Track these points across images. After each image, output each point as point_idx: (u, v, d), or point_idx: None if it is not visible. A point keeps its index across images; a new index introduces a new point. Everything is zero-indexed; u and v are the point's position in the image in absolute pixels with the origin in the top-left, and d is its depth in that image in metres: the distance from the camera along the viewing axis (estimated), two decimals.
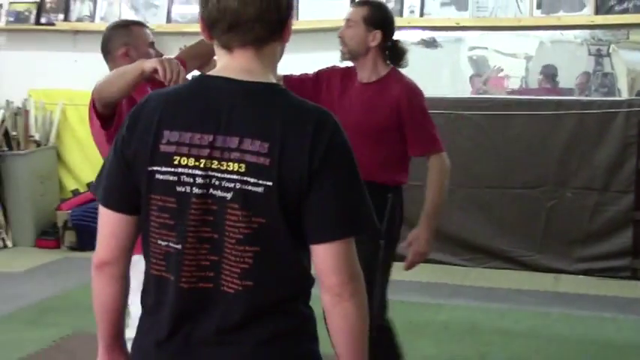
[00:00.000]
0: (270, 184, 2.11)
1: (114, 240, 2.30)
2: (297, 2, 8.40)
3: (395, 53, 4.61)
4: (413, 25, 8.18)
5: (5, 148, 8.95)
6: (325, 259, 2.17)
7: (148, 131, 2.20)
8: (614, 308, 6.75)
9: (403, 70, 4.61)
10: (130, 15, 8.84)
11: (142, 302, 2.33)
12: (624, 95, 7.68)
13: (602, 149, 7.58)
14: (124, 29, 4.07)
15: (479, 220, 7.94)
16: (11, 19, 9.38)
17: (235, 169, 2.14)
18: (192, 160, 2.16)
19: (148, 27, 4.29)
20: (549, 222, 7.75)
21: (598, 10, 7.69)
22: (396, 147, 4.52)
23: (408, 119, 4.46)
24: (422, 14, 8.16)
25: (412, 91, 4.52)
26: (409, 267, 4.85)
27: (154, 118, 2.20)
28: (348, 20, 4.56)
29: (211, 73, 2.29)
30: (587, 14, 7.72)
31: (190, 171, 2.16)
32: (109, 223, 2.30)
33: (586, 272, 7.62)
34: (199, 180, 2.15)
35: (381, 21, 4.53)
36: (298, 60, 8.15)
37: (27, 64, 9.14)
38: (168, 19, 8.88)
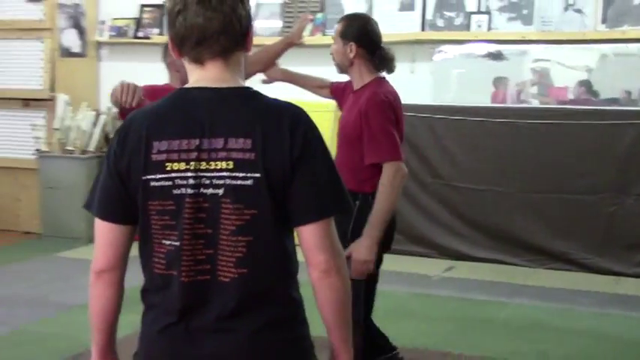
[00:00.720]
0: (258, 175, 2.17)
1: (111, 249, 2.31)
2: (373, 17, 8.48)
3: (382, 61, 4.53)
4: (480, 39, 8.18)
5: (105, 149, 9.12)
6: (311, 238, 2.24)
7: (138, 145, 2.22)
8: None
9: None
10: None
11: (145, 300, 2.35)
12: None
13: None
14: None
15: (540, 222, 7.92)
16: (113, 33, 9.56)
17: (224, 167, 2.18)
18: (183, 164, 2.19)
19: None
20: (610, 226, 7.70)
21: None
22: (360, 150, 4.35)
23: (365, 126, 4.29)
24: (489, 28, 8.15)
25: (373, 99, 4.32)
26: (354, 276, 4.01)
27: (142, 133, 2.22)
28: (333, 37, 4.59)
29: (187, 85, 2.32)
30: None
31: (182, 174, 2.19)
32: (105, 233, 2.31)
33: None
34: (191, 181, 2.19)
35: (353, 33, 4.49)
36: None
37: (125, 73, 9.23)
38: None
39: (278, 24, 8.86)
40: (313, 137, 2.26)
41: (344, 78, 4.68)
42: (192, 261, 2.22)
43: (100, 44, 9.70)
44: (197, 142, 2.20)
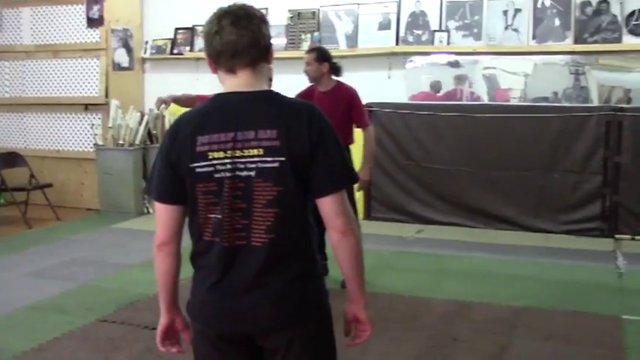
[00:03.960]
0: (283, 159, 2.15)
1: (167, 226, 2.28)
2: (357, 34, 8.54)
3: (336, 69, 5.83)
4: (442, 51, 8.21)
5: (149, 143, 9.14)
6: (330, 206, 2.22)
7: (185, 139, 2.20)
8: (588, 259, 6.78)
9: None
10: None
11: (194, 263, 2.32)
12: (595, 103, 7.65)
13: (580, 142, 7.60)
14: None
15: (491, 193, 7.97)
16: (154, 51, 9.59)
17: (255, 153, 2.16)
18: (222, 153, 2.17)
19: None
20: (541, 195, 7.79)
21: (576, 41, 7.71)
22: (347, 123, 5.71)
23: (353, 106, 5.75)
24: (448, 43, 8.19)
25: (352, 92, 5.79)
26: (360, 190, 5.96)
27: (189, 130, 2.21)
28: (307, 63, 5.77)
29: (223, 91, 2.30)
30: (568, 43, 7.74)
31: (222, 161, 2.17)
32: (163, 213, 2.29)
33: (568, 232, 7.68)
34: (229, 166, 2.17)
35: (324, 57, 5.77)
36: (355, 77, 8.39)
37: (163, 82, 9.24)
38: None
39: (283, 41, 8.88)
40: (326, 126, 2.24)
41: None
42: (231, 229, 2.20)
43: (144, 60, 9.74)
44: (232, 134, 2.18)
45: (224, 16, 2.23)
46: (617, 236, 7.54)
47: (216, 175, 2.19)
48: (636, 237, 7.49)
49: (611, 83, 7.71)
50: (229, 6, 2.26)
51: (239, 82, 2.27)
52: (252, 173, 2.17)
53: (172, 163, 2.23)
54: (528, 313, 5.26)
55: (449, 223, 8.10)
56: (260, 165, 2.17)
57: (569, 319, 5.10)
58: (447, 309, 5.37)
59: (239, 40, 2.21)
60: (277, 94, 2.30)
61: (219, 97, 2.29)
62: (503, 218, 7.94)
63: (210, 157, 2.18)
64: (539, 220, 7.81)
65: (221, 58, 2.25)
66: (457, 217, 8.12)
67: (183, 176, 2.22)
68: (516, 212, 7.89)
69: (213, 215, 2.21)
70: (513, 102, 7.98)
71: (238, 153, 2.17)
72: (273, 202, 2.18)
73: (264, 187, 2.17)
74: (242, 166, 2.18)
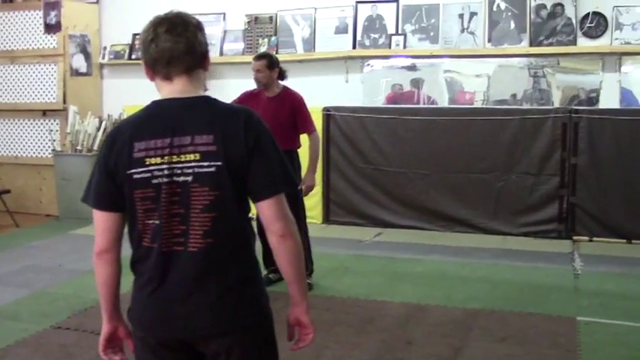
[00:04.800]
0: (219, 163, 2.16)
1: (107, 233, 2.27)
2: (314, 38, 8.49)
3: (282, 74, 5.83)
4: (399, 54, 8.19)
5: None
6: (268, 210, 2.22)
7: (123, 146, 2.20)
8: (545, 260, 6.76)
9: None
10: None
11: (135, 270, 2.31)
12: (557, 105, 7.64)
13: (537, 144, 7.57)
14: None
15: (448, 196, 7.94)
16: (111, 56, 9.55)
17: (192, 158, 2.17)
18: (159, 158, 2.18)
19: None
20: (499, 197, 7.75)
21: (532, 43, 7.71)
22: (292, 128, 5.74)
23: (298, 112, 5.76)
24: (405, 46, 8.15)
25: (299, 98, 5.82)
26: (304, 195, 5.88)
27: (126, 136, 2.21)
28: (257, 70, 5.72)
29: (159, 98, 2.29)
30: (524, 46, 7.74)
31: (159, 167, 2.18)
32: (101, 220, 2.28)
33: (526, 234, 7.65)
34: (166, 172, 2.18)
35: (274, 64, 5.76)
36: (313, 81, 8.32)
37: (121, 88, 9.30)
38: (221, 53, 8.90)
39: (240, 45, 8.84)
40: (263, 131, 2.25)
41: None
42: (169, 235, 2.20)
43: (102, 65, 9.69)
44: (169, 140, 2.18)
45: (160, 23, 2.24)
46: (575, 238, 7.52)
47: (154, 181, 2.19)
48: (594, 238, 7.49)
49: (572, 85, 7.71)
50: (165, 13, 2.27)
51: (175, 88, 2.27)
52: (189, 178, 2.18)
53: (110, 170, 2.23)
54: (483, 315, 5.23)
55: (408, 227, 8.05)
56: (197, 170, 2.18)
57: (525, 321, 5.08)
58: (403, 312, 5.32)
59: (174, 47, 2.22)
60: (214, 99, 2.31)
61: (155, 104, 2.29)
62: (461, 221, 7.91)
63: (147, 162, 2.19)
64: (496, 222, 7.79)
65: (157, 65, 2.25)
66: (416, 220, 8.07)
67: (121, 183, 2.22)
68: (474, 215, 7.86)
69: (151, 221, 2.22)
70: (476, 104, 7.96)
71: (175, 158, 2.18)
72: (209, 206, 2.18)
73: (200, 192, 2.18)
74: (179, 171, 2.18)
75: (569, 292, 5.81)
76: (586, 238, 7.52)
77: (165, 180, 2.18)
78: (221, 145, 2.17)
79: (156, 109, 2.27)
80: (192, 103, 2.25)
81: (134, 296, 2.32)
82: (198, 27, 2.27)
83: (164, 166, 2.18)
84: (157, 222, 2.20)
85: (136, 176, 2.19)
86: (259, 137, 2.22)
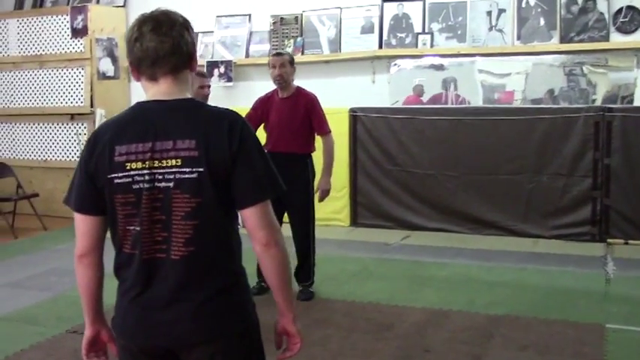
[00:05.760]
0: (202, 169, 2.10)
1: (87, 237, 2.23)
2: (340, 39, 8.39)
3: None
4: (425, 54, 8.06)
5: None
6: (252, 218, 2.16)
7: (103, 149, 2.15)
8: (576, 264, 6.55)
9: None
10: (222, 52, 8.92)
11: (117, 275, 2.26)
12: (599, 103, 7.41)
13: (568, 144, 7.37)
14: None
15: (477, 198, 7.78)
16: None
17: (174, 164, 2.11)
18: (140, 163, 2.12)
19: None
20: (529, 200, 7.58)
21: (562, 40, 7.52)
22: (307, 130, 5.55)
23: (313, 112, 5.55)
24: (432, 45, 8.03)
25: (312, 96, 5.62)
26: (320, 200, 5.69)
27: (106, 140, 2.15)
28: (280, 65, 5.47)
29: (144, 99, 2.23)
30: (554, 43, 7.55)
31: (140, 172, 2.12)
32: (81, 224, 2.23)
33: (557, 237, 7.45)
34: (147, 177, 2.12)
35: (293, 60, 5.65)
36: (339, 82, 8.20)
37: None
38: (247, 54, 8.84)
39: (266, 47, 8.76)
40: (248, 135, 2.18)
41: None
42: (150, 242, 2.15)
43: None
44: (150, 145, 2.12)
45: (145, 22, 2.17)
46: (609, 241, 7.30)
47: (135, 187, 2.14)
48: (630, 241, 7.26)
49: (614, 83, 7.47)
50: (152, 12, 2.21)
51: (160, 90, 2.21)
52: (171, 184, 2.13)
53: (90, 173, 2.18)
54: (506, 321, 5.05)
55: (435, 229, 7.92)
56: (178, 176, 2.12)
57: (549, 328, 4.88)
58: (423, 318, 5.16)
59: (159, 46, 2.15)
60: (199, 102, 2.26)
61: (138, 106, 2.23)
62: (491, 223, 7.74)
63: (128, 167, 2.13)
64: (527, 225, 7.60)
65: (142, 65, 2.19)
66: (444, 222, 7.92)
67: (101, 187, 2.17)
68: (504, 217, 7.68)
69: (132, 227, 2.17)
70: (516, 104, 7.78)
71: (157, 164, 2.13)
72: (191, 213, 2.13)
73: (182, 199, 2.13)
74: (160, 177, 2.13)
75: (598, 298, 5.59)
76: (621, 240, 7.30)
77: (146, 185, 2.13)
78: (203, 151, 2.11)
79: (139, 111, 2.21)
80: (176, 107, 2.18)
81: (117, 303, 2.28)
82: (184, 26, 2.21)
83: (145, 172, 2.13)
84: (137, 228, 2.15)
85: (116, 181, 2.14)
86: (243, 142, 2.15)
